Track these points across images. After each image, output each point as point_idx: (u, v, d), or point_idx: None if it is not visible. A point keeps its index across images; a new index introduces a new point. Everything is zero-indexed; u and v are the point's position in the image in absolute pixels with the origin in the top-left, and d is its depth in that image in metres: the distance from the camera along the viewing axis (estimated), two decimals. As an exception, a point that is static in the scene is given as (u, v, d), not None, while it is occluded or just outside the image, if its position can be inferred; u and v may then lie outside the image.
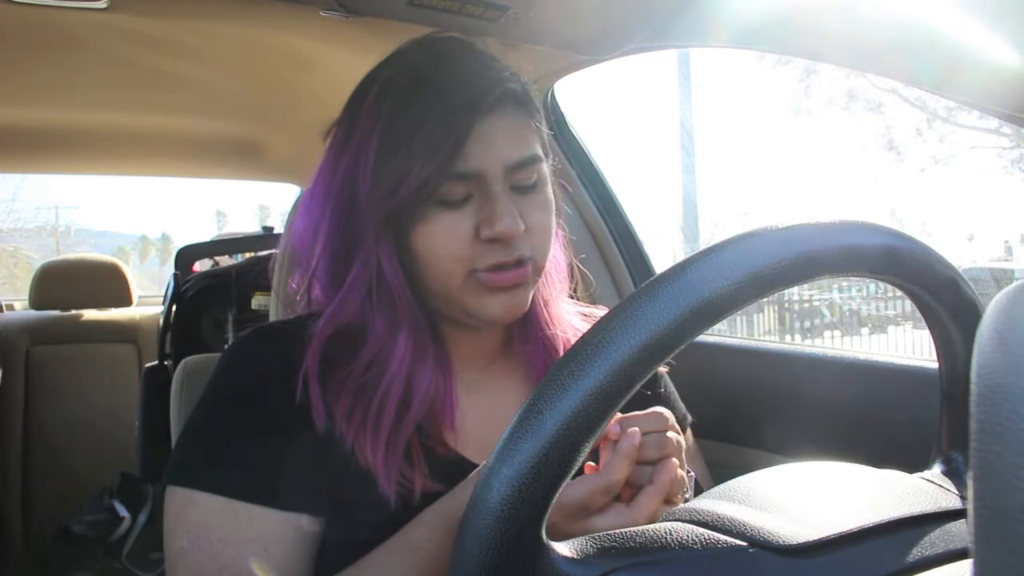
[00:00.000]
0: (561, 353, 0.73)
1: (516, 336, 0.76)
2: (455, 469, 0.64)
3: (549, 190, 0.71)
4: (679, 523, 0.41)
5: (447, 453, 0.67)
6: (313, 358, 0.66)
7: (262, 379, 0.67)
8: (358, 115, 0.69)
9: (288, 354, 0.67)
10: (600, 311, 0.85)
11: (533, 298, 0.73)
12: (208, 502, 0.63)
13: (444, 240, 0.65)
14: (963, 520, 0.43)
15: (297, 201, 1.05)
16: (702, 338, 0.37)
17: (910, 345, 6.51)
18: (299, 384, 0.65)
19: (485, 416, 0.72)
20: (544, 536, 0.37)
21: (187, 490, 0.64)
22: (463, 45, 0.72)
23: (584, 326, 0.78)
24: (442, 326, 0.72)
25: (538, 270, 0.69)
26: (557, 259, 0.78)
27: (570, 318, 0.78)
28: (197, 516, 0.63)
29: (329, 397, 0.65)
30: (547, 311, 0.75)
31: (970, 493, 0.24)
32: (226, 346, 1.05)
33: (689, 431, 0.84)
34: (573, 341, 0.72)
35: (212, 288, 1.79)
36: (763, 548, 0.39)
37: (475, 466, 0.65)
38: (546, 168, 0.71)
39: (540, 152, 0.70)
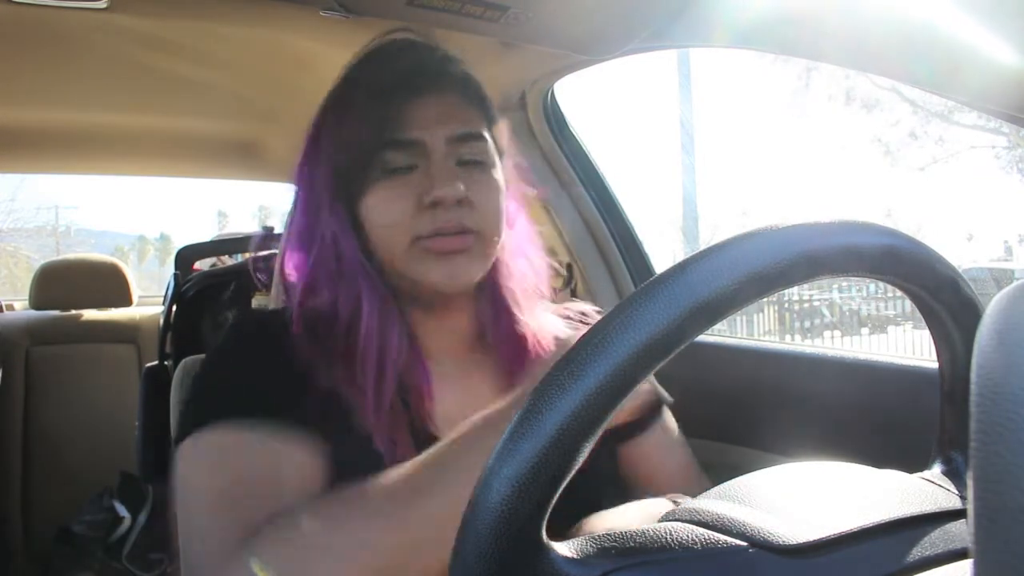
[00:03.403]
0: (529, 351, 0.75)
1: (489, 330, 0.77)
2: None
3: (499, 175, 0.73)
4: (679, 523, 0.41)
5: (426, 431, 0.69)
6: (298, 328, 0.69)
7: (261, 349, 0.70)
8: (321, 111, 0.75)
9: (280, 332, 0.70)
10: (582, 307, 0.86)
11: (501, 293, 0.76)
12: (220, 437, 0.63)
13: (389, 207, 0.69)
14: (963, 520, 0.43)
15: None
16: (702, 338, 0.37)
17: (910, 345, 6.52)
18: (293, 356, 0.67)
19: (462, 404, 0.72)
20: (544, 536, 0.37)
21: (199, 434, 0.63)
22: (410, 39, 0.77)
23: (558, 325, 0.80)
24: (410, 312, 0.73)
25: (485, 243, 0.71)
26: (532, 258, 0.79)
27: (546, 318, 0.79)
28: (214, 454, 0.63)
29: (321, 367, 0.68)
30: (517, 307, 0.76)
31: (970, 493, 0.24)
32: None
33: (671, 416, 0.83)
34: (544, 341, 0.75)
35: (212, 288, 1.79)
36: (763, 548, 0.39)
37: None
38: (496, 156, 0.74)
39: (487, 135, 0.73)
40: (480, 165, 0.72)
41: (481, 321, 0.77)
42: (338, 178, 0.70)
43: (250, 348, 0.71)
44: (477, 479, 0.36)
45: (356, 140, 0.69)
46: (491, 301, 0.76)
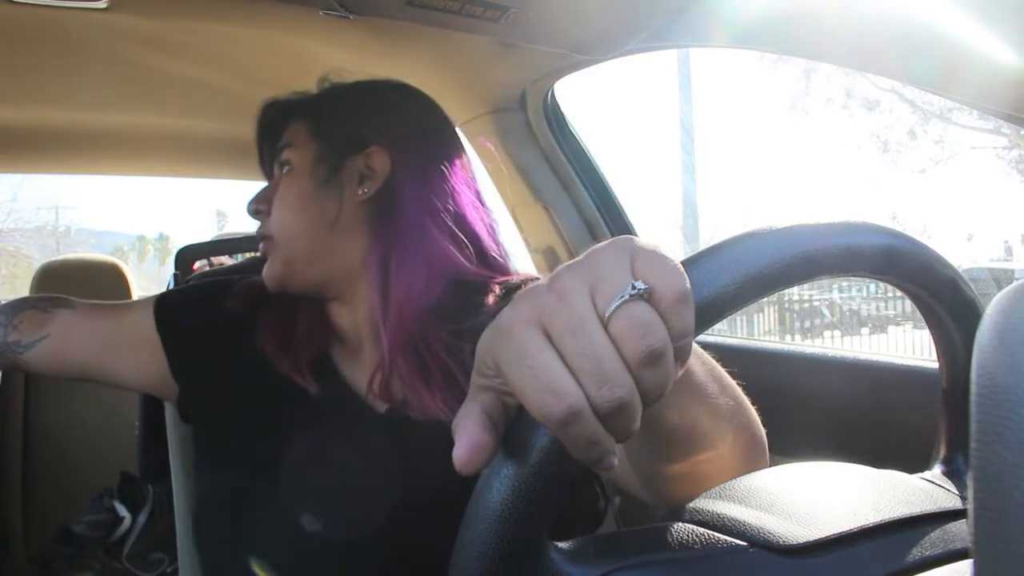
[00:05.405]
0: (395, 355, 0.77)
1: (381, 325, 0.79)
2: (344, 400, 0.78)
3: (302, 183, 0.80)
4: (679, 523, 0.41)
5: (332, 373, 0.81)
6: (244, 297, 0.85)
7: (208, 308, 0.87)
8: None
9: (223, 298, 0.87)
10: (527, 275, 0.85)
11: (375, 297, 0.78)
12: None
13: None
14: (963, 520, 0.43)
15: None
16: (702, 338, 0.37)
17: (910, 345, 6.51)
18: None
19: (365, 368, 0.80)
20: (544, 536, 0.37)
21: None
22: None
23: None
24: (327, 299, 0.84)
25: (277, 247, 0.80)
26: (429, 253, 0.78)
27: (441, 327, 0.78)
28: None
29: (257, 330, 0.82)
30: (391, 311, 0.77)
31: (970, 493, 0.24)
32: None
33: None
34: (422, 347, 0.76)
35: (212, 288, 1.79)
36: (763, 548, 0.39)
37: (360, 399, 0.78)
38: (308, 160, 0.80)
39: (296, 142, 0.81)
40: (288, 172, 0.81)
41: (373, 317, 0.80)
42: None
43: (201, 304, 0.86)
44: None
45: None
46: (377, 291, 0.79)
